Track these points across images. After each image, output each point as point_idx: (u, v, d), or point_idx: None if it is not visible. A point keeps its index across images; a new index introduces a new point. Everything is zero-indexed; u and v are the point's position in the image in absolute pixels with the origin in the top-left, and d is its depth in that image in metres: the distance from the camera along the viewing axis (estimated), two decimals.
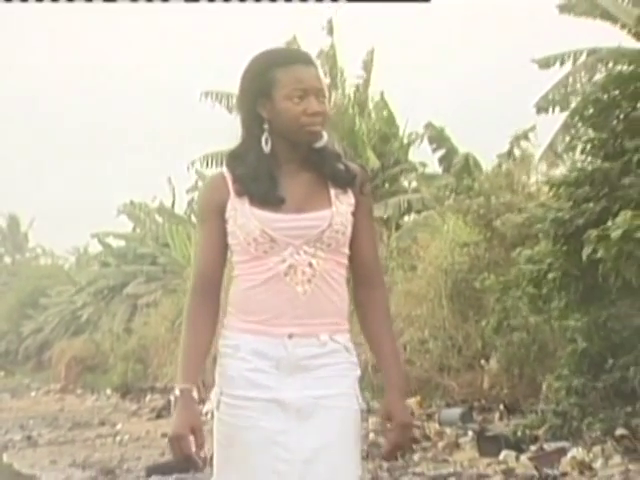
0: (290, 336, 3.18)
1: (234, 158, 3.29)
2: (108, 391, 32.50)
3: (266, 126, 3.22)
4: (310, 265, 3.19)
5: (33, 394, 37.69)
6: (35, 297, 47.89)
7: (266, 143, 3.21)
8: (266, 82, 3.19)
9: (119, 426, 21.94)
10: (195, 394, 3.18)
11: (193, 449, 3.14)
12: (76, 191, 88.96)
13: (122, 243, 40.26)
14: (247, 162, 3.23)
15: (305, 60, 3.26)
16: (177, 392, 3.18)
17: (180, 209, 36.38)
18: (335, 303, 3.24)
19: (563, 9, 18.46)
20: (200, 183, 30.66)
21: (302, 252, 3.18)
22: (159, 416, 22.37)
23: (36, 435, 21.65)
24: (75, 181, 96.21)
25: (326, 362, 3.21)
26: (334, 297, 3.23)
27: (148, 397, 28.15)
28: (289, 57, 3.27)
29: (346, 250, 3.27)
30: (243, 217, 3.19)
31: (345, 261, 3.28)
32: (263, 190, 3.19)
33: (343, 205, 3.23)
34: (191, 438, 3.14)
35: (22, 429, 23.50)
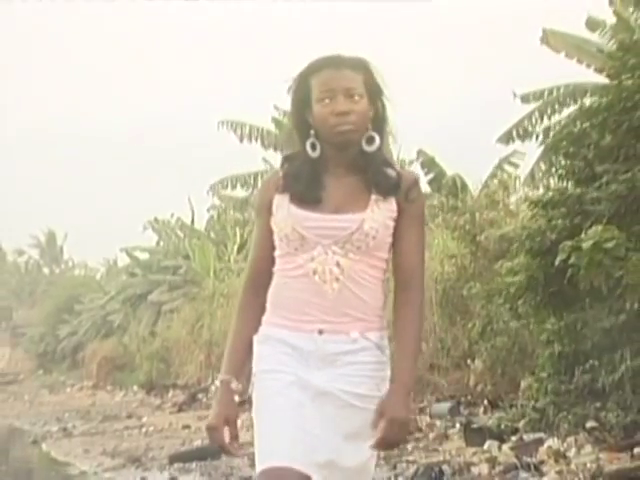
0: (320, 332, 3.03)
1: (286, 159, 3.17)
2: (135, 388, 32.46)
3: (312, 132, 3.07)
4: (338, 265, 3.01)
5: (68, 390, 37.68)
6: (70, 304, 47.85)
7: (312, 148, 3.07)
8: (305, 91, 3.06)
9: (145, 419, 21.91)
10: (234, 385, 3.09)
11: (227, 440, 3.07)
12: (106, 209, 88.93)
13: (147, 256, 40.23)
14: (295, 163, 3.11)
15: (336, 64, 3.06)
16: (217, 382, 3.12)
17: (199, 225, 36.50)
18: (365, 302, 3.06)
19: (542, 41, 18.40)
20: (218, 202, 30.74)
21: (330, 252, 3.01)
22: (180, 410, 22.34)
23: (71, 427, 21.64)
24: (105, 200, 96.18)
25: (355, 360, 3.04)
26: (364, 296, 3.05)
27: (170, 393, 28.12)
28: (321, 63, 3.08)
29: (382, 254, 3.08)
30: (281, 213, 3.06)
31: (381, 264, 3.09)
32: (302, 188, 3.05)
33: (381, 210, 3.04)
34: (225, 429, 3.06)
35: (58, 421, 23.51)
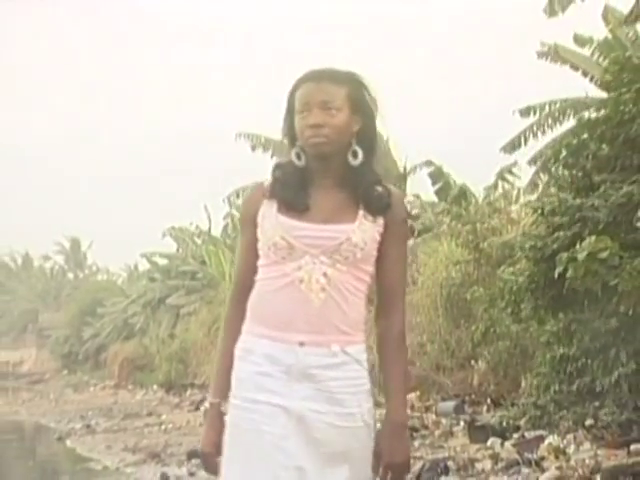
0: (301, 344, 2.83)
1: (277, 167, 2.99)
2: (155, 387, 32.50)
3: (299, 142, 2.92)
4: (325, 275, 2.84)
5: (91, 389, 37.76)
6: (93, 307, 47.91)
7: (297, 157, 2.92)
8: (291, 103, 2.93)
9: (164, 417, 21.96)
10: (223, 407, 2.91)
11: (219, 465, 2.88)
12: (127, 217, 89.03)
13: (166, 261, 40.29)
14: (283, 171, 2.95)
15: (318, 77, 2.91)
16: (207, 405, 3.04)
17: (215, 232, 36.57)
18: (348, 314, 2.86)
19: (540, 55, 18.39)
20: (233, 211, 30.79)
21: (318, 261, 2.84)
22: (197, 408, 22.36)
23: (94, 424, 21.72)
24: (127, 209, 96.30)
25: (336, 375, 2.84)
26: (347, 308, 2.86)
27: (188, 392, 28.16)
28: (304, 77, 2.93)
29: (367, 267, 2.90)
30: (268, 222, 2.89)
31: (365, 277, 2.91)
32: (289, 195, 2.89)
33: (369, 223, 2.88)
34: (218, 455, 2.89)
35: (82, 419, 23.59)
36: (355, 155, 2.90)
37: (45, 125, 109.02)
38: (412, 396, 15.40)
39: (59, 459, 17.84)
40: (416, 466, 9.95)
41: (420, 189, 24.50)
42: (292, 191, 2.90)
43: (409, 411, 14.61)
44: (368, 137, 2.95)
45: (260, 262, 2.92)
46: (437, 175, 22.25)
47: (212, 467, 2.91)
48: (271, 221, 2.88)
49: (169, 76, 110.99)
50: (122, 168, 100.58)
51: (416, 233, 21.39)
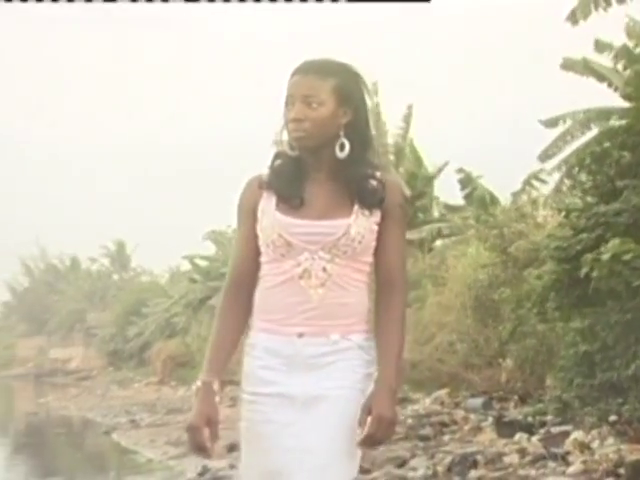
0: (300, 335, 2.77)
1: (276, 156, 2.91)
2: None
3: None
4: (324, 270, 2.76)
5: (136, 385, 37.86)
6: (137, 307, 48.14)
7: (290, 148, 2.83)
8: (286, 94, 2.82)
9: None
10: (215, 386, 2.85)
11: (207, 440, 2.81)
12: (170, 221, 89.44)
13: (207, 263, 40.44)
14: (279, 161, 2.88)
15: (305, 70, 2.80)
16: (199, 383, 2.87)
17: None
18: (349, 306, 2.80)
19: (564, 67, 18.33)
20: None
21: (317, 257, 2.76)
22: (236, 404, 22.40)
23: (138, 419, 21.77)
24: (169, 213, 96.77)
25: (336, 359, 2.78)
26: (348, 300, 2.79)
27: (228, 388, 27.66)
28: (296, 69, 2.83)
29: (366, 258, 2.82)
30: (267, 220, 2.81)
31: (365, 268, 2.83)
32: (284, 186, 2.81)
33: (365, 217, 2.78)
34: (206, 430, 2.81)
35: (127, 414, 23.65)
36: (342, 148, 2.79)
37: (93, 136, 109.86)
38: (442, 393, 15.43)
39: (105, 452, 17.95)
40: (446, 459, 9.97)
41: (449, 194, 24.54)
42: (287, 182, 2.82)
43: (439, 407, 14.62)
44: (359, 129, 2.83)
45: (262, 259, 2.85)
46: (466, 181, 22.23)
47: (198, 442, 2.81)
48: (269, 218, 2.80)
49: (213, 78, 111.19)
50: (165, 176, 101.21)
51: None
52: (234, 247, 2.95)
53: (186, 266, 45.40)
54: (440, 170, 25.03)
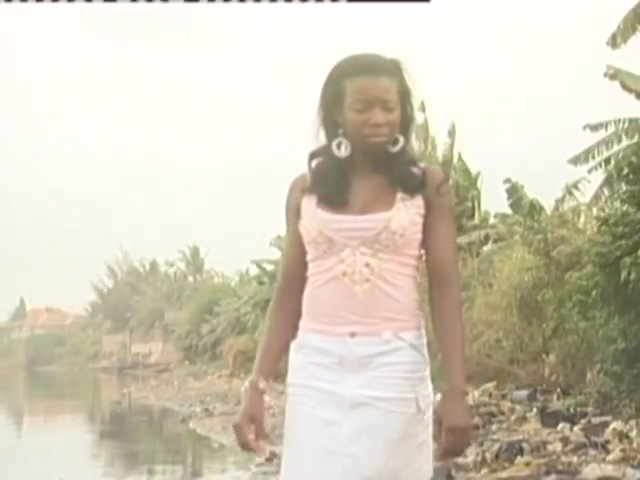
0: (352, 334, 2.49)
1: (312, 156, 2.62)
2: None
3: (341, 131, 2.54)
4: (367, 265, 2.49)
5: (209, 377, 38.08)
6: (210, 306, 48.47)
7: (339, 148, 2.54)
8: (337, 91, 2.51)
9: (271, 402, 22.05)
10: (262, 385, 2.65)
11: (251, 438, 2.62)
12: (240, 228, 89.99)
13: (273, 267, 40.56)
14: (322, 162, 2.59)
15: (375, 71, 2.49)
16: (247, 384, 2.68)
17: None
18: (398, 301, 2.51)
19: (610, 77, 17.81)
20: None
21: (359, 253, 2.49)
22: None
23: (212, 408, 21.86)
24: (239, 221, 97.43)
25: (389, 361, 2.49)
26: (396, 295, 2.50)
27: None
28: (359, 68, 2.50)
29: (412, 251, 2.53)
30: (307, 217, 2.55)
31: (411, 261, 2.53)
32: (329, 190, 2.53)
33: (407, 208, 2.51)
34: (251, 427, 2.62)
35: (202, 403, 23.78)
36: (396, 142, 2.55)
37: (172, 150, 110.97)
38: (490, 386, 15.31)
39: (182, 438, 18.08)
40: (494, 447, 9.90)
41: (496, 202, 24.36)
42: (332, 185, 2.54)
43: (487, 399, 14.52)
44: (406, 123, 2.57)
45: (307, 257, 2.60)
46: (513, 191, 22.05)
47: (243, 440, 2.63)
48: (309, 215, 2.55)
49: (280, 87, 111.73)
50: (235, 188, 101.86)
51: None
52: (285, 248, 2.73)
53: (254, 269, 45.65)
54: (479, 177, 24.98)
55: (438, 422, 2.45)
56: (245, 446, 2.63)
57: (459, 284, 2.61)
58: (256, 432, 2.63)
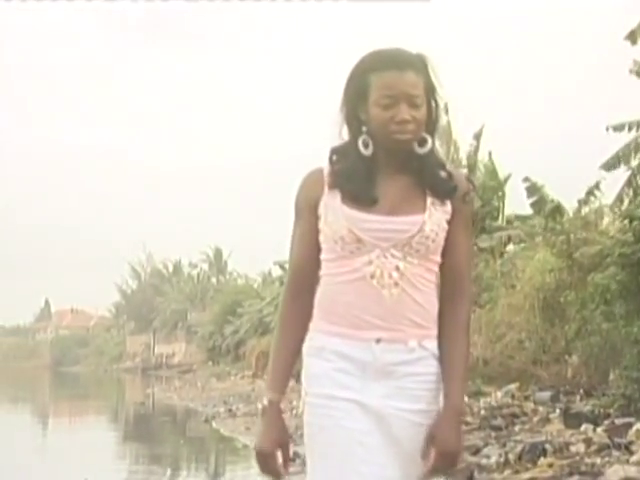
0: (378, 341, 2.36)
1: (335, 153, 2.46)
2: None
3: (364, 128, 2.40)
4: (397, 269, 2.36)
5: (232, 378, 38.15)
6: (233, 308, 48.58)
7: (365, 145, 2.40)
8: (362, 86, 2.38)
9: (294, 402, 21.96)
10: (282, 405, 2.48)
11: (280, 465, 2.46)
12: (261, 230, 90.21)
13: None
14: (347, 160, 2.43)
15: (402, 65, 2.37)
16: (265, 402, 2.47)
17: None
18: (424, 307, 2.40)
19: (637, 74, 17.51)
20: None
21: (389, 255, 2.36)
22: None
23: (235, 408, 21.85)
24: (262, 223, 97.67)
25: (413, 371, 2.39)
26: (422, 301, 2.39)
27: None
28: (385, 62, 2.37)
29: (437, 257, 2.42)
30: (333, 214, 2.39)
31: (434, 268, 2.43)
32: (356, 188, 2.39)
33: (438, 212, 2.40)
34: (278, 454, 2.45)
35: (225, 404, 23.77)
36: (424, 143, 2.42)
37: (196, 155, 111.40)
38: (512, 387, 15.28)
39: (206, 438, 18.10)
40: (517, 448, 9.87)
41: (517, 203, 24.26)
42: (358, 183, 2.40)
43: (510, 400, 14.48)
44: (432, 121, 2.44)
45: (323, 256, 2.44)
46: (533, 190, 21.95)
47: (271, 468, 2.46)
48: (336, 213, 2.39)
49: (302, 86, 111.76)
50: (257, 192, 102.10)
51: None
52: (292, 248, 2.51)
53: (277, 270, 45.74)
54: (506, 180, 24.81)
55: (430, 439, 2.37)
56: (272, 473, 2.47)
57: (471, 294, 2.54)
58: (283, 457, 2.48)
